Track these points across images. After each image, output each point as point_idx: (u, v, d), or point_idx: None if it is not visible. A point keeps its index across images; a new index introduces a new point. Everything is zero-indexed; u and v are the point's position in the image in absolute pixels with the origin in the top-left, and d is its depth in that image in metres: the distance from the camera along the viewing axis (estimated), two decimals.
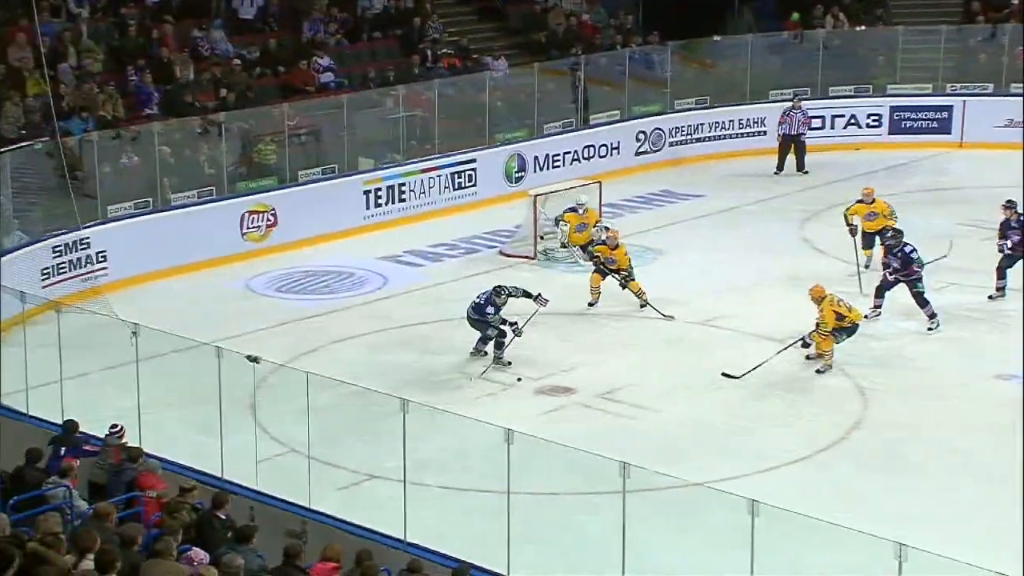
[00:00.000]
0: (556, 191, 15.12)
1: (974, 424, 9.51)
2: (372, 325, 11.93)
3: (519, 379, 10.87)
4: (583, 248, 13.83)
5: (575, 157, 17.45)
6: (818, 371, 10.62)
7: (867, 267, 12.79)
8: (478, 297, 11.07)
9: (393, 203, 15.86)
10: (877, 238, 13.08)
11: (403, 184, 16.03)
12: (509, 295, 10.82)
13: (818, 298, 10.66)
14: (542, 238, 14.72)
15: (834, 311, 10.72)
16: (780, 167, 17.43)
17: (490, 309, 10.89)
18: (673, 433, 9.62)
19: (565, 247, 14.14)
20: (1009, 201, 11.90)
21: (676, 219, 15.71)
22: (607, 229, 12.86)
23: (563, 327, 11.68)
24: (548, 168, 17.34)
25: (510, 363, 10.69)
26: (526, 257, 14.66)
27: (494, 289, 11.05)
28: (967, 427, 9.48)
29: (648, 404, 10.04)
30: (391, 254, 14.56)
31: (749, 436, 9.31)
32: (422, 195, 16.24)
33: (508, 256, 14.81)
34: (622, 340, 11.58)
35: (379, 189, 15.78)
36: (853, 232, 12.83)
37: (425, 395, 9.71)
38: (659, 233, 15.07)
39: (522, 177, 17.13)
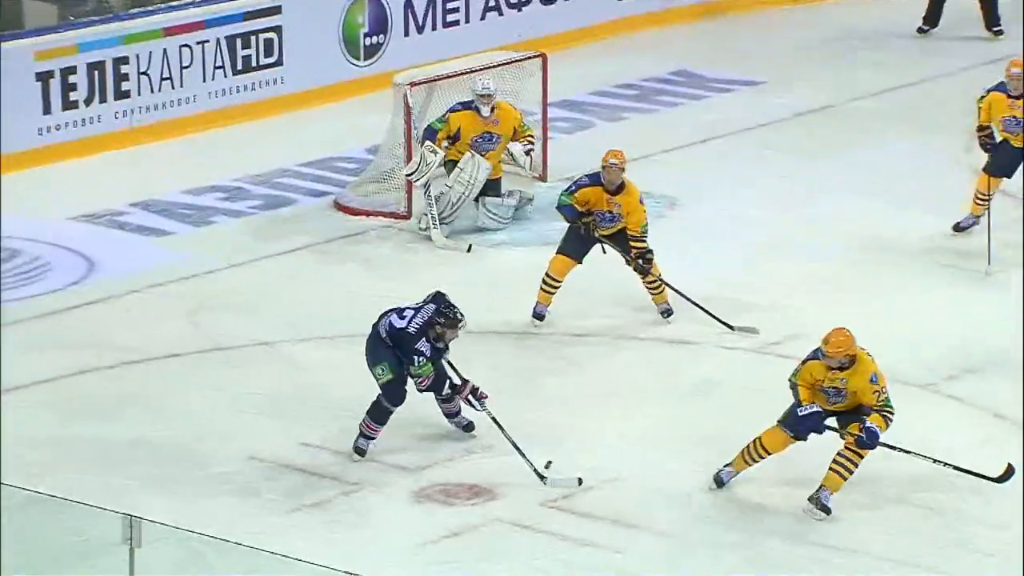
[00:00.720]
0: (452, 74, 13.76)
1: None
2: (58, 363, 11.19)
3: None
4: (505, 195, 13.18)
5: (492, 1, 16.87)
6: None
7: None
8: (398, 314, 9.83)
9: (104, 101, 14.93)
10: None
11: (124, 59, 14.99)
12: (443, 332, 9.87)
13: None
14: (412, 176, 13.36)
15: None
16: (931, 20, 17.18)
17: (421, 346, 9.64)
18: None
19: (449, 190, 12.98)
20: None
21: (707, 134, 14.42)
22: (615, 155, 11.09)
23: (492, 360, 10.85)
24: (437, 25, 16.34)
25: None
26: (390, 214, 13.33)
27: (436, 307, 9.79)
28: None
29: (644, 522, 9.06)
30: (103, 211, 13.62)
31: None
32: (165, 83, 15.23)
33: (352, 212, 13.47)
34: (603, 384, 10.57)
35: (71, 70, 14.37)
36: (986, 144, 12.01)
37: (166, 501, 9.35)
38: (671, 164, 14.01)
39: (379, 46, 15.09)
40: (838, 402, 9.00)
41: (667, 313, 11.13)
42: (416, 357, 9.60)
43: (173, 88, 15.39)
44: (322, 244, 12.87)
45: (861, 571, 8.44)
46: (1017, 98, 11.79)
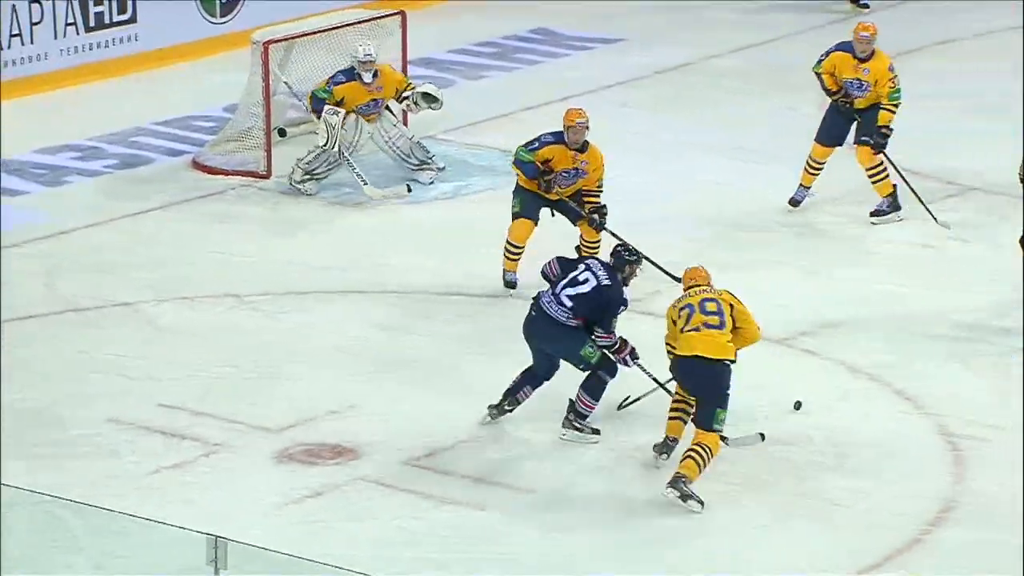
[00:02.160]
0: (311, 32, 13.59)
1: None
2: None
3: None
4: (409, 159, 12.99)
5: None
6: None
7: None
8: (569, 285, 9.25)
9: None
10: None
11: None
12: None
13: None
14: (282, 132, 13.45)
15: None
16: None
17: (627, 294, 9.23)
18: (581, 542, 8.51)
19: (334, 153, 12.76)
20: None
21: (567, 92, 14.27)
22: (580, 114, 10.86)
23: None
24: None
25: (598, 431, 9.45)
26: (249, 173, 13.14)
27: (616, 253, 9.37)
28: None
29: (506, 479, 9.02)
30: None
31: (734, 538, 8.49)
32: (15, 40, 15.28)
33: (210, 171, 13.32)
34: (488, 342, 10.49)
35: None
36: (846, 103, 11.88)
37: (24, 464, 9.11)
38: (532, 122, 13.48)
39: (236, 3, 15.80)
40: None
41: None
42: (624, 307, 9.17)
43: (23, 45, 15.03)
44: (180, 203, 12.66)
45: (715, 521, 8.44)
46: (863, 60, 11.68)
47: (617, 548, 8.13)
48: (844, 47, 11.76)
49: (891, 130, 11.42)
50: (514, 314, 10.83)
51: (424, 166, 12.83)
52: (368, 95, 12.64)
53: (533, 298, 9.33)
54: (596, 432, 9.11)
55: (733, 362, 8.71)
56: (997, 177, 11.74)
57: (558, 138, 10.81)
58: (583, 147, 10.80)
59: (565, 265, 9.35)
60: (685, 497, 8.38)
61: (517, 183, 10.98)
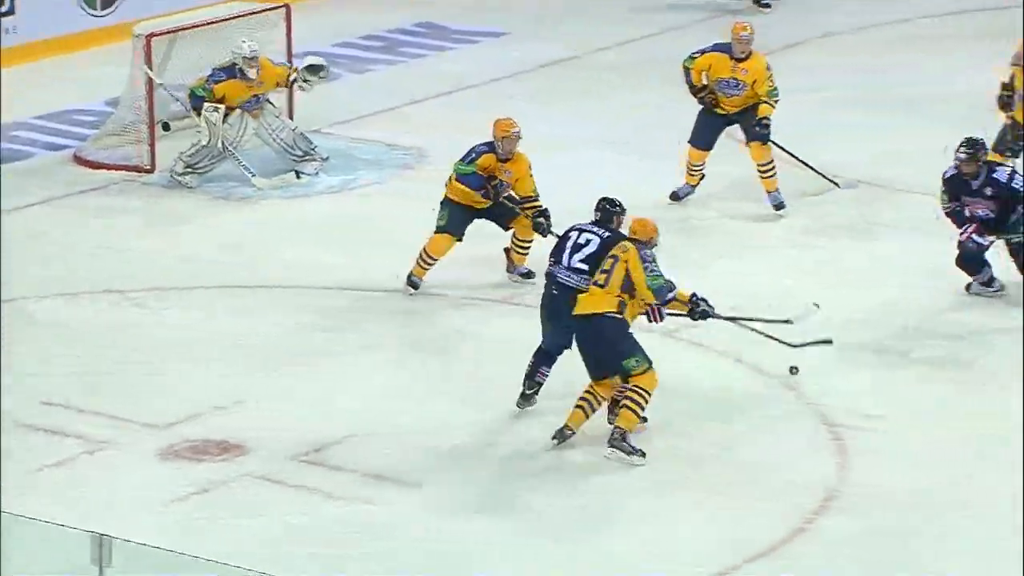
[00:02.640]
0: (193, 25, 13.48)
1: None
2: None
3: None
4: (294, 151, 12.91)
5: None
6: None
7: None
8: (572, 251, 9.28)
9: None
10: None
11: None
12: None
13: None
14: (165, 126, 13.25)
15: None
16: None
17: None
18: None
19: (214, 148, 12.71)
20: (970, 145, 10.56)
21: (453, 86, 14.47)
22: (513, 124, 10.90)
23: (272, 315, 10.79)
24: None
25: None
26: (132, 168, 13.03)
27: (603, 208, 9.42)
28: None
29: (394, 475, 8.95)
30: None
31: (619, 530, 8.43)
32: None
33: (92, 166, 13.23)
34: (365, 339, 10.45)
35: None
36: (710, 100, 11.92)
37: None
38: (417, 116, 13.98)
39: None
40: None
41: (528, 275, 10.83)
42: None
43: None
44: (62, 198, 12.50)
45: (601, 514, 8.45)
46: (741, 61, 11.64)
47: (505, 543, 8.12)
48: (721, 48, 11.71)
49: (770, 121, 11.45)
50: (404, 309, 10.90)
51: (307, 157, 12.75)
52: (249, 91, 12.58)
53: (547, 275, 9.24)
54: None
55: (618, 314, 8.75)
56: (872, 170, 11.90)
57: (490, 148, 10.73)
58: (509, 156, 10.72)
59: (557, 246, 9.25)
60: (628, 453, 8.57)
61: (446, 196, 10.77)
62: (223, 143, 12.56)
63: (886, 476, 8.52)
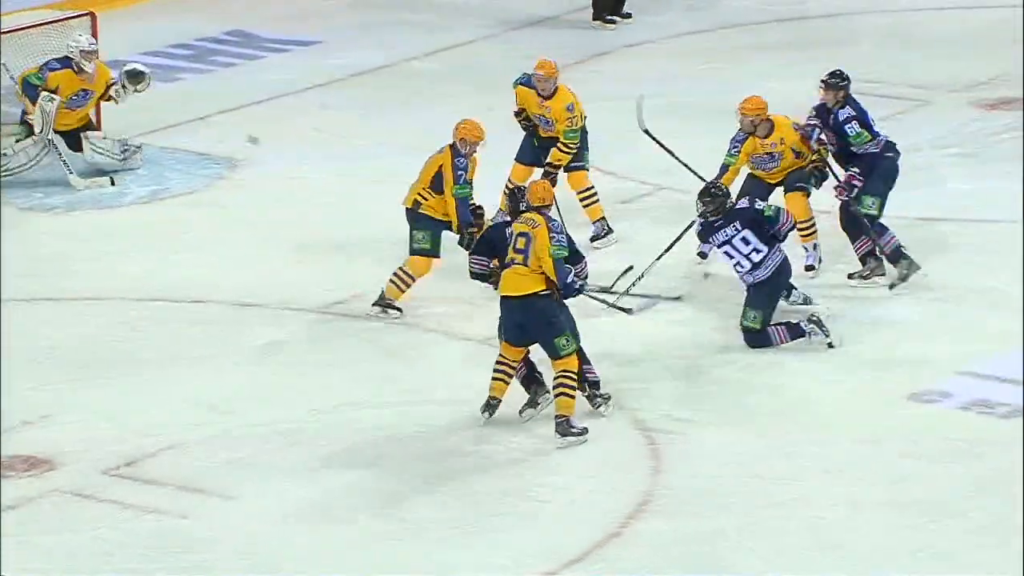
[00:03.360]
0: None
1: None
2: None
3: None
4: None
5: None
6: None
7: None
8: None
9: None
10: None
11: None
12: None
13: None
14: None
15: None
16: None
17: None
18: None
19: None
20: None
21: (265, 94, 14.36)
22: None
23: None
24: None
25: None
26: None
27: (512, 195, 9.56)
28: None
29: (210, 487, 8.79)
30: None
31: (436, 539, 8.40)
32: None
33: None
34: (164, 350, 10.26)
35: None
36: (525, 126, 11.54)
37: None
38: (229, 124, 13.84)
39: None
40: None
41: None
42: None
43: None
44: None
45: (417, 522, 8.36)
46: (546, 98, 11.21)
47: (320, 552, 8.05)
48: (526, 82, 11.34)
49: (559, 166, 11.03)
50: (210, 320, 10.66)
51: (127, 153, 12.64)
52: (81, 84, 12.38)
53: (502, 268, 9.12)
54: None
55: (545, 292, 8.86)
56: (686, 177, 11.95)
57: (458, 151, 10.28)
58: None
59: (498, 238, 9.20)
60: (577, 435, 8.76)
61: (422, 214, 10.32)
62: (50, 137, 12.34)
63: (699, 478, 8.58)
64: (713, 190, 9.80)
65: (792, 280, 10.11)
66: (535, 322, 8.93)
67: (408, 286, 10.38)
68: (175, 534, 8.29)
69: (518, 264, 8.89)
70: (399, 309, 10.34)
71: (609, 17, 15.84)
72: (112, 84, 12.57)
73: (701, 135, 11.96)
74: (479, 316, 10.09)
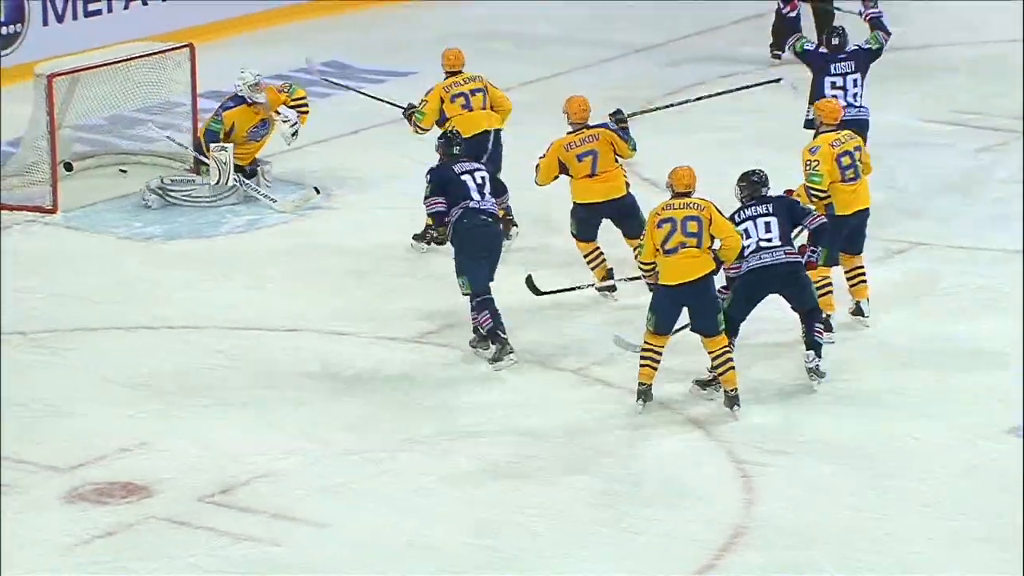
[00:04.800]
0: (96, 65, 13.38)
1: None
2: None
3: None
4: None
5: None
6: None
7: None
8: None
9: None
10: None
11: None
12: None
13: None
14: (68, 167, 13.17)
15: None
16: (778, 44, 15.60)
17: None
18: None
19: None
20: None
21: (359, 124, 14.34)
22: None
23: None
24: (78, 14, 15.98)
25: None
26: (36, 208, 13.00)
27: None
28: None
29: (302, 515, 8.83)
30: None
31: (530, 568, 8.41)
32: None
33: None
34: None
35: None
36: None
37: None
38: (325, 154, 13.83)
39: (17, 35, 15.40)
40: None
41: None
42: None
43: None
44: None
45: (510, 552, 8.36)
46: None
47: None
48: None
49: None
50: (304, 348, 10.64)
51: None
52: (257, 117, 12.61)
53: (468, 210, 9.92)
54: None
55: (716, 272, 9.38)
56: None
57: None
58: None
59: (446, 179, 10.12)
60: (734, 402, 9.29)
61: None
62: (237, 178, 12.61)
63: (792, 510, 8.53)
64: (752, 176, 9.71)
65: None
66: (707, 302, 9.37)
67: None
68: (268, 561, 8.32)
69: (690, 248, 9.23)
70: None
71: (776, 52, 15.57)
72: (300, 102, 12.80)
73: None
74: (574, 347, 10.25)
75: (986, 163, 11.56)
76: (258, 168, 12.82)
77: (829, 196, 10.07)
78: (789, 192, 10.00)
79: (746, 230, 9.48)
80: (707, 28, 16.31)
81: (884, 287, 10.72)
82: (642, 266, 9.62)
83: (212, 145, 12.60)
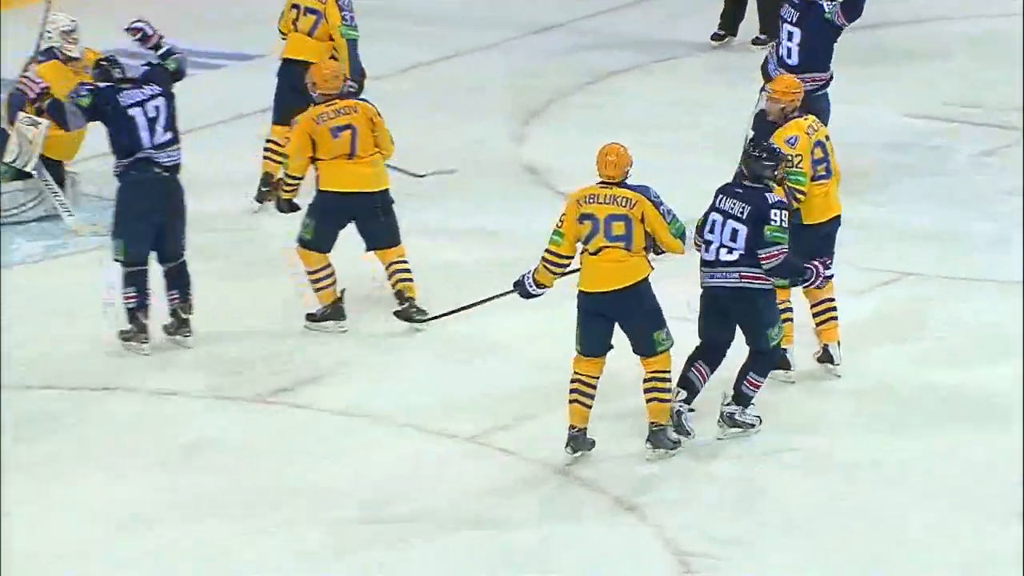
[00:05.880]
0: None
1: None
2: None
3: None
4: None
5: None
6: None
7: None
8: None
9: None
10: None
11: None
12: None
13: None
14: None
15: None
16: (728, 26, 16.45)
17: None
18: None
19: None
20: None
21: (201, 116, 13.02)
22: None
23: None
24: None
25: None
26: None
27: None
28: None
29: None
30: None
31: None
32: None
33: None
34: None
35: None
36: None
37: None
38: None
39: None
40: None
41: None
42: None
43: None
44: None
45: None
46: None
47: None
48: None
49: None
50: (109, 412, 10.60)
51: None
52: (75, 77, 12.14)
53: (142, 159, 10.27)
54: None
55: (646, 277, 9.41)
56: None
57: None
58: None
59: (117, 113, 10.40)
60: (675, 444, 9.42)
61: None
62: (37, 168, 12.48)
63: None
64: (753, 150, 9.81)
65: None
66: (640, 316, 9.41)
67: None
68: None
69: (617, 250, 9.30)
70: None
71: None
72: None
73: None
74: (471, 406, 10.12)
75: (989, 170, 11.52)
76: (67, 176, 12.77)
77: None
78: None
79: (712, 223, 9.56)
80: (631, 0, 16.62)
81: (862, 327, 10.73)
82: (548, 260, 9.54)
83: (20, 116, 12.42)
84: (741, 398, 9.62)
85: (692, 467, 9.49)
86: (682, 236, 9.56)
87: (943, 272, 11.73)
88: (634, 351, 9.43)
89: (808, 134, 10.20)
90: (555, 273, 9.57)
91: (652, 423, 9.37)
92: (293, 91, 12.02)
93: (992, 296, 11.24)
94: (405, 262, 10.96)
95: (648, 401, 9.39)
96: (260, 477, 9.64)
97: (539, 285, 9.62)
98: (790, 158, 9.81)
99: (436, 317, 10.66)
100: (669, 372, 9.44)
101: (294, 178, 11.03)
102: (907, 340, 10.87)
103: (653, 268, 9.56)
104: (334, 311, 10.97)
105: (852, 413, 10.04)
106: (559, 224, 9.54)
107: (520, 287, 9.72)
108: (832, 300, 10.27)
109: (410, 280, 10.95)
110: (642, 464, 9.55)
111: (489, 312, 10.55)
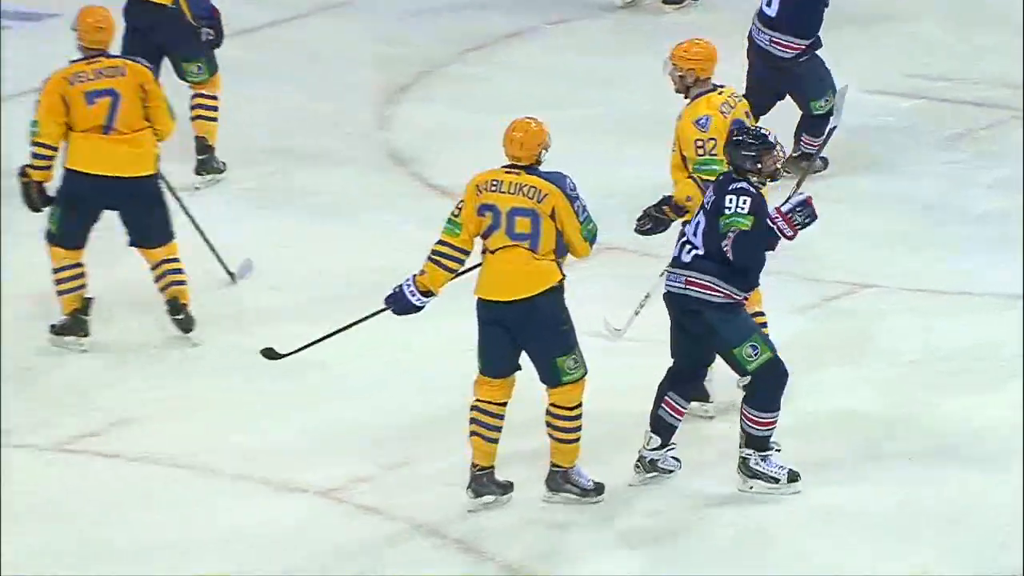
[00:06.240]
0: None
1: None
2: None
3: None
4: None
5: None
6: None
7: None
8: None
9: None
10: None
11: None
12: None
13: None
14: None
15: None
16: None
17: None
18: None
19: None
20: None
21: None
22: None
23: None
24: None
25: None
26: None
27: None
28: None
29: None
30: None
31: None
32: None
33: None
34: None
35: None
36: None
37: None
38: None
39: None
40: None
41: None
42: None
43: None
44: None
45: None
46: None
47: None
48: None
49: None
50: None
51: None
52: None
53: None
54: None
55: (558, 286, 9.08)
56: None
57: None
58: None
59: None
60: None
61: None
62: None
63: None
64: (736, 135, 9.62)
65: None
66: (544, 334, 9.02)
67: None
68: None
69: (520, 250, 8.95)
70: None
71: None
72: None
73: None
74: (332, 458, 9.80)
75: (968, 158, 11.07)
76: None
77: None
78: (668, 199, 10.04)
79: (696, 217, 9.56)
80: None
81: (810, 351, 10.62)
82: (440, 253, 9.18)
83: None
84: (751, 440, 9.35)
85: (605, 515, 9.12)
86: (592, 239, 9.41)
87: (904, 284, 11.65)
88: (540, 379, 9.12)
89: (723, 113, 10.22)
90: (447, 270, 9.24)
91: (552, 464, 9.06)
92: (135, 32, 11.57)
93: (974, 312, 11.15)
94: (176, 261, 10.69)
95: (550, 436, 9.04)
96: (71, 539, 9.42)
97: (425, 293, 9.27)
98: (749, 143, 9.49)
99: (293, 353, 10.01)
100: (577, 408, 9.05)
101: (45, 147, 10.32)
102: (868, 365, 10.74)
103: (565, 275, 9.28)
104: (73, 323, 10.46)
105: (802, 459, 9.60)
106: (455, 212, 9.25)
107: (396, 302, 9.35)
108: (761, 313, 10.07)
109: (183, 284, 10.55)
110: (555, 514, 9.25)
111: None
